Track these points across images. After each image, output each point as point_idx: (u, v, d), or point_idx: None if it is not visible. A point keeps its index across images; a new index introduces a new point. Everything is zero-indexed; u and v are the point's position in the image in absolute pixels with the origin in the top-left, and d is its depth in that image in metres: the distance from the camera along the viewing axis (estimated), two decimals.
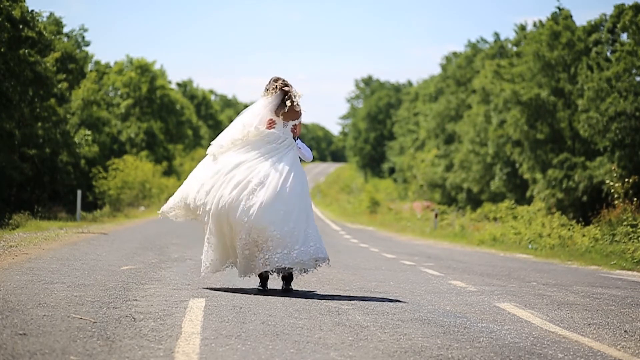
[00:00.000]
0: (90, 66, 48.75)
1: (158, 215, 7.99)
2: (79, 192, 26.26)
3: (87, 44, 47.53)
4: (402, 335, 5.64)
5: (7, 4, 25.33)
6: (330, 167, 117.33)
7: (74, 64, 37.25)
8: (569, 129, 38.12)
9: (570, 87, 37.98)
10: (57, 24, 39.60)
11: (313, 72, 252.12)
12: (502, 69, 44.24)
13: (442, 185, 54.09)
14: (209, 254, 7.62)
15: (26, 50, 25.81)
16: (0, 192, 27.57)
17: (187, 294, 7.31)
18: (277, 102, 7.65)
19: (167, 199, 8.63)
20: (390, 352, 5.06)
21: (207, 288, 7.85)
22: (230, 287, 8.10)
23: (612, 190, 19.37)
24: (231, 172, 7.44)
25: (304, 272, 7.52)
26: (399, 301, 7.58)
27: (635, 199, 18.52)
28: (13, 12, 25.35)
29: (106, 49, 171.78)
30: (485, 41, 58.73)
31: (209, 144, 7.83)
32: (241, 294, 7.46)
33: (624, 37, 36.19)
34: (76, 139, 32.95)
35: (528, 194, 39.36)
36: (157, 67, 59.54)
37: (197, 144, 65.22)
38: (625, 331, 6.37)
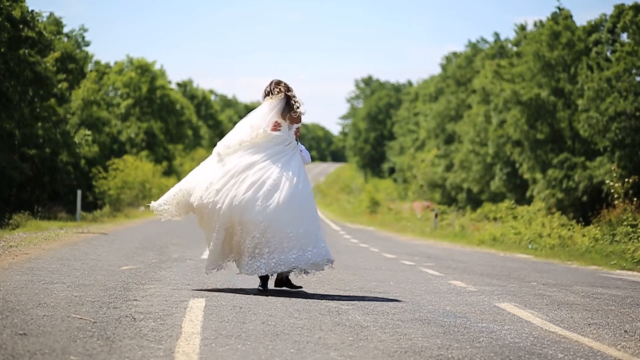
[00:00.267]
0: (90, 66, 48.74)
1: (151, 210, 7.95)
2: (79, 192, 26.26)
3: (87, 44, 47.54)
4: (402, 335, 5.64)
5: (7, 4, 25.32)
6: (330, 167, 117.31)
7: (74, 64, 37.24)
8: (569, 129, 38.13)
9: (570, 87, 37.98)
10: (57, 24, 39.60)
11: (313, 72, 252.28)
12: (502, 69, 44.25)
13: (442, 185, 54.09)
14: (215, 251, 7.61)
15: (26, 50, 25.80)
16: (0, 192, 27.57)
17: (187, 294, 7.31)
18: (282, 106, 7.75)
19: None
20: (390, 352, 5.06)
21: (207, 288, 7.85)
22: (230, 287, 8.11)
23: (612, 190, 19.37)
24: (244, 173, 7.51)
25: (305, 273, 7.56)
26: (399, 301, 7.58)
27: (635, 199, 18.52)
28: (13, 12, 25.34)
29: (106, 49, 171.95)
30: (486, 41, 58.76)
31: (214, 145, 7.86)
32: (241, 294, 7.46)
33: (624, 37, 36.22)
34: (76, 139, 32.94)
35: (528, 194, 39.36)
36: (157, 67, 59.57)
37: (197, 144, 65.18)
38: (625, 331, 6.37)
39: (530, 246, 20.68)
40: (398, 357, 4.94)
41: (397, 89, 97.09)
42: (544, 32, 39.50)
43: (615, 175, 24.82)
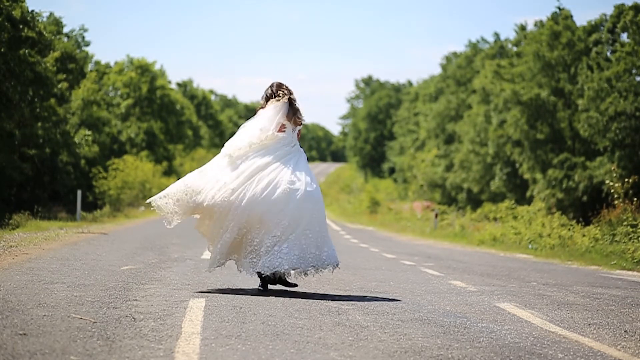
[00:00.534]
0: (90, 66, 48.77)
1: (151, 207, 7.91)
2: (79, 192, 26.27)
3: (87, 44, 47.56)
4: (402, 335, 5.64)
5: (7, 4, 25.33)
6: (330, 167, 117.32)
7: (74, 64, 37.24)
8: (569, 129, 38.13)
9: (570, 87, 37.99)
10: (57, 24, 39.62)
11: (313, 72, 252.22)
12: (502, 69, 44.25)
13: (442, 185, 54.09)
14: (222, 250, 7.59)
15: (26, 50, 25.81)
16: (0, 192, 27.58)
17: (187, 294, 7.31)
18: (287, 108, 7.88)
19: None
20: (390, 352, 5.07)
21: (207, 288, 7.85)
22: (230, 287, 8.11)
23: (612, 190, 19.37)
24: (259, 174, 7.62)
25: (304, 274, 7.60)
26: (399, 301, 7.58)
27: (635, 199, 18.52)
28: (13, 12, 25.35)
29: (106, 49, 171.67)
30: (486, 41, 58.76)
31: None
32: (241, 294, 7.47)
33: (624, 37, 36.22)
34: (76, 139, 32.96)
35: (528, 194, 39.36)
36: (157, 67, 59.59)
37: (197, 144, 65.16)
38: (625, 331, 6.37)
39: (530, 246, 20.68)
40: (398, 357, 4.94)
41: (397, 89, 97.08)
42: (544, 32, 39.50)
43: (615, 175, 24.84)
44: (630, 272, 13.63)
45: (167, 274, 9.15)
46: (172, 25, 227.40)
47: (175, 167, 56.05)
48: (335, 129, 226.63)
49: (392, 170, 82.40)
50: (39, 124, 28.20)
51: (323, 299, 7.44)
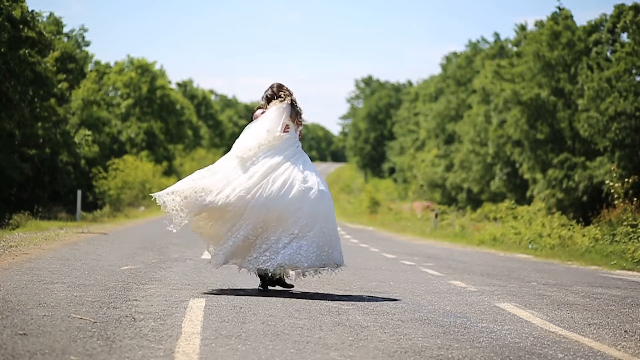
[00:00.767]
0: (90, 66, 48.79)
1: (157, 204, 7.86)
2: (79, 192, 26.27)
3: (87, 44, 47.59)
4: (402, 335, 5.64)
5: (7, 4, 25.33)
6: (330, 167, 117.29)
7: (74, 64, 37.26)
8: (569, 129, 38.13)
9: (570, 87, 37.98)
10: (57, 24, 39.63)
11: (313, 72, 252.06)
12: (502, 69, 44.24)
13: (442, 185, 54.08)
14: (232, 249, 7.56)
15: (26, 50, 25.81)
16: (0, 192, 27.58)
17: (187, 294, 7.31)
18: (290, 109, 7.95)
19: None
20: (390, 352, 5.07)
21: (207, 288, 7.85)
22: (230, 287, 8.11)
23: (612, 190, 19.37)
24: (272, 173, 7.68)
25: (303, 275, 7.63)
26: (399, 301, 7.58)
27: (635, 199, 18.52)
28: (13, 12, 25.35)
29: (106, 49, 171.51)
30: (486, 41, 58.75)
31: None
32: (241, 294, 7.47)
33: (624, 37, 36.21)
34: (76, 139, 32.95)
35: (528, 194, 39.35)
36: (157, 67, 59.60)
37: (197, 144, 65.16)
38: (625, 331, 6.37)
39: (530, 246, 20.68)
40: (398, 357, 4.94)
41: (397, 89, 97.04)
42: (544, 32, 39.49)
43: (615, 175, 24.84)
44: (630, 272, 13.63)
45: (167, 274, 9.16)
46: (172, 25, 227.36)
47: (175, 167, 56.07)
48: (335, 129, 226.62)
49: (392, 170, 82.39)
50: (39, 124, 28.19)
51: (323, 299, 7.44)
